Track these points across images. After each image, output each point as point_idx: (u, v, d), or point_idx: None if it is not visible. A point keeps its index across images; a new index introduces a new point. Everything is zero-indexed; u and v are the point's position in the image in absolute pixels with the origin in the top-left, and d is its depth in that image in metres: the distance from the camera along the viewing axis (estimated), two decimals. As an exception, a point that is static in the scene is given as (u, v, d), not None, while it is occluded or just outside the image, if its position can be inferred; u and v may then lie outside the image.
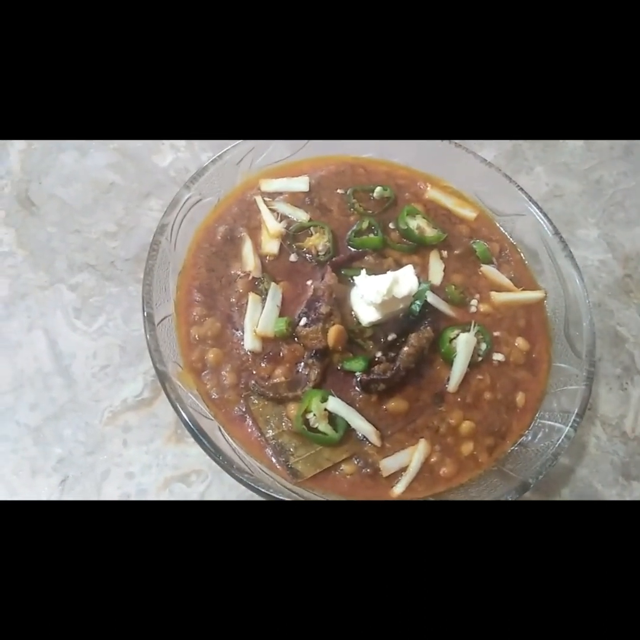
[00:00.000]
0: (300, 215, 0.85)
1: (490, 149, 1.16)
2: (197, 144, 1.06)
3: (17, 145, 1.01)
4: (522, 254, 0.91)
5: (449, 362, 0.76)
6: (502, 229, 0.93)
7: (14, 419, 0.78)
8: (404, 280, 0.75)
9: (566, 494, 0.85)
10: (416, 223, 0.87)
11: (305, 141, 0.89)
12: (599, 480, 0.86)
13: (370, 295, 0.73)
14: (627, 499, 0.86)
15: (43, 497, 0.73)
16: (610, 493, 0.86)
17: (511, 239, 0.92)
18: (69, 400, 0.80)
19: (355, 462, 0.70)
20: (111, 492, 0.75)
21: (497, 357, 0.80)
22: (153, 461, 0.77)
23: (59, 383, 0.81)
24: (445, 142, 0.91)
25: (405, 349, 0.73)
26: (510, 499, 0.65)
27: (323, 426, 0.69)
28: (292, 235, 0.84)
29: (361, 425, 0.70)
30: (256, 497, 0.63)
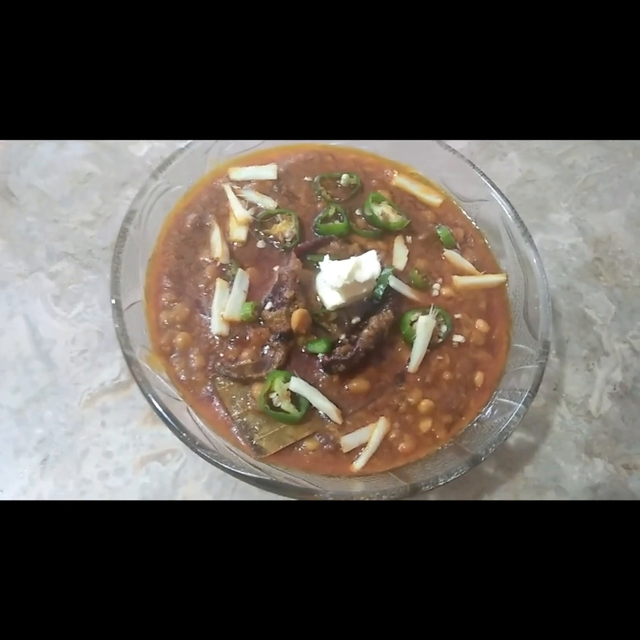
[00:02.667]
0: (268, 203, 0.87)
1: (464, 134, 1.17)
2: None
3: (-4, 137, 1.04)
4: (485, 239, 0.94)
5: (410, 343, 0.79)
6: (466, 214, 0.95)
7: (-3, 401, 0.81)
8: (366, 265, 0.78)
9: (530, 470, 0.88)
10: (381, 209, 0.89)
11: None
12: (562, 457, 0.89)
13: (332, 279, 0.76)
14: (589, 475, 0.89)
15: (25, 475, 0.78)
16: (573, 469, 0.89)
17: (475, 224, 0.94)
18: (50, 384, 0.84)
19: (317, 439, 0.73)
20: (90, 470, 0.79)
21: (458, 338, 0.83)
22: (130, 441, 0.81)
23: (39, 367, 0.85)
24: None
25: (365, 331, 0.76)
26: (462, 472, 0.68)
27: (285, 405, 0.73)
28: (260, 223, 0.86)
29: (322, 404, 0.73)
30: (228, 477, 0.66)
